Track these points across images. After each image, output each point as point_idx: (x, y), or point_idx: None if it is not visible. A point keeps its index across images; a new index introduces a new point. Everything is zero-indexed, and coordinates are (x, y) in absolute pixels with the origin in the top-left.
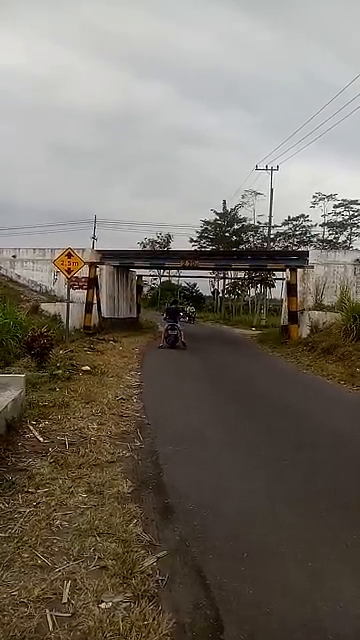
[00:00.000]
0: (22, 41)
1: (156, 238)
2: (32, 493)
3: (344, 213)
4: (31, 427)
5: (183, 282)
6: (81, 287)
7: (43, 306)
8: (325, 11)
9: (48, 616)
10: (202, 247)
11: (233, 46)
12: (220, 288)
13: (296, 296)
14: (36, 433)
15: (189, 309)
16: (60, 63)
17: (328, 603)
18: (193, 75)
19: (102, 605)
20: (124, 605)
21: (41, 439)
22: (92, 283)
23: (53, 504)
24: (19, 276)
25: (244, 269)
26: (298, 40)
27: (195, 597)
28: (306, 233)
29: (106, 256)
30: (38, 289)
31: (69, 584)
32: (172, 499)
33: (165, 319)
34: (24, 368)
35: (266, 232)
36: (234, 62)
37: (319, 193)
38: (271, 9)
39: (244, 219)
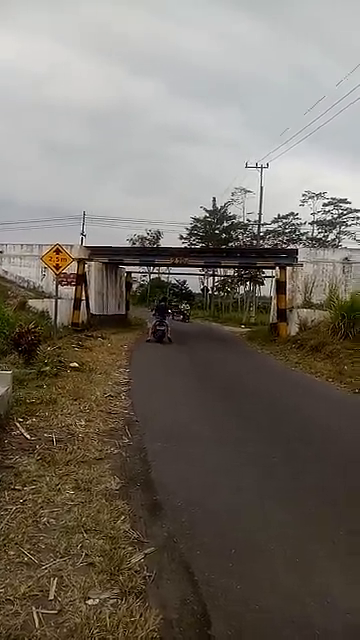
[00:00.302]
0: (15, 37)
1: (146, 235)
2: (19, 490)
3: (333, 211)
4: (18, 424)
5: (173, 279)
6: (69, 283)
7: (31, 302)
8: (317, 11)
9: (34, 613)
10: (192, 244)
11: (226, 45)
12: (210, 285)
13: (285, 294)
14: (23, 430)
15: (183, 307)
16: (53, 60)
17: (316, 599)
18: (186, 73)
19: (89, 602)
20: (111, 602)
21: (28, 436)
22: (81, 279)
23: (40, 501)
24: (6, 272)
25: (233, 267)
26: (290, 39)
27: (183, 593)
28: (295, 231)
29: (95, 252)
30: (26, 285)
31: (56, 581)
32: (160, 496)
33: (154, 315)
34: (11, 365)
35: (256, 230)
36: (226, 60)
37: (308, 191)
38: (265, 9)
39: (234, 217)
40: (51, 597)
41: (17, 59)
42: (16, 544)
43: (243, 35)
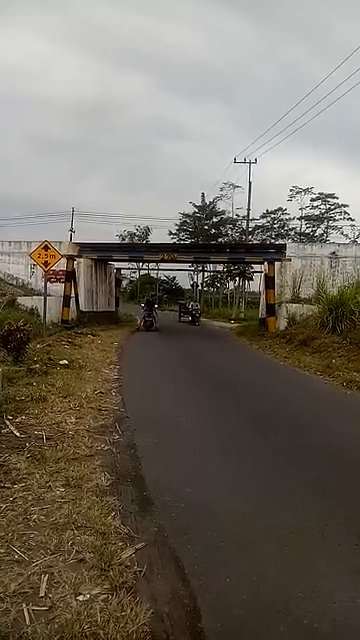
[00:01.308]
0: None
1: (135, 231)
2: (8, 488)
3: (321, 207)
4: (7, 422)
5: (162, 275)
6: (59, 280)
7: (20, 300)
8: (303, 6)
9: (25, 610)
10: (181, 240)
11: (212, 40)
12: (199, 281)
13: (274, 289)
14: (13, 428)
15: (192, 305)
16: (36, 52)
17: (304, 590)
18: (172, 68)
19: (80, 598)
20: (102, 597)
21: (18, 434)
22: (70, 276)
23: (30, 499)
24: None
25: (223, 262)
26: (277, 34)
27: (173, 587)
28: (284, 226)
29: (84, 249)
30: (14, 282)
31: (46, 578)
32: (150, 491)
33: (143, 309)
34: (0, 363)
35: (244, 225)
36: (213, 55)
37: (296, 187)
38: (251, 3)
39: (223, 212)
40: (42, 594)
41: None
42: (6, 542)
43: (229, 30)
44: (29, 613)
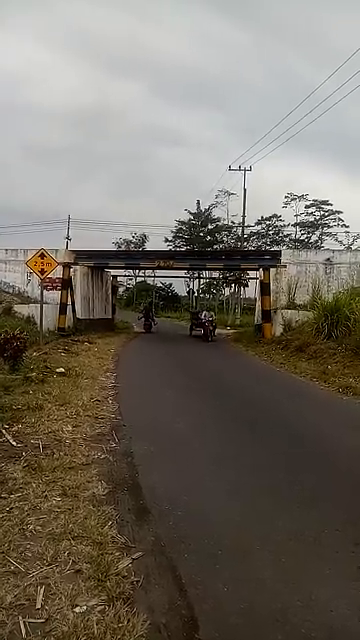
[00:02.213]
0: None
1: (131, 238)
2: (5, 498)
3: (315, 213)
4: (4, 431)
5: (159, 282)
6: (55, 288)
7: (16, 308)
8: (298, 12)
9: (21, 623)
10: (177, 247)
11: (207, 46)
12: (195, 288)
13: (269, 295)
14: (9, 437)
15: (205, 314)
16: (32, 60)
17: (301, 598)
18: (167, 75)
19: (76, 609)
20: (99, 608)
21: (14, 443)
22: (66, 284)
23: (26, 509)
24: None
25: (218, 269)
26: (270, 41)
27: (170, 597)
28: (279, 233)
29: (80, 256)
30: (11, 290)
31: (43, 589)
32: (147, 500)
33: (142, 314)
34: None
35: (240, 232)
36: (207, 62)
37: (291, 193)
38: (245, 10)
39: (218, 219)
40: (38, 606)
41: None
42: (2, 553)
43: (223, 37)
44: (25, 626)
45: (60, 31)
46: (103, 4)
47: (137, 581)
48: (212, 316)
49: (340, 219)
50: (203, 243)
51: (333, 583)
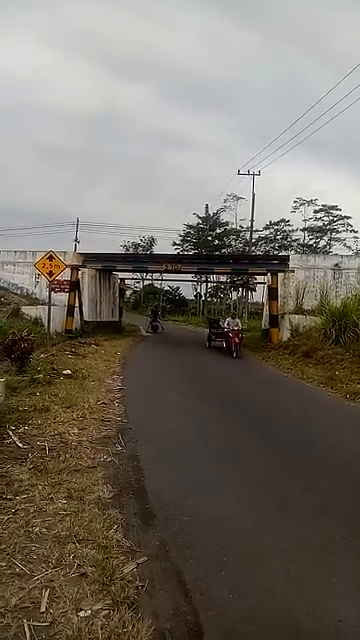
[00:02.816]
0: (4, 40)
1: (139, 241)
2: (10, 500)
3: (324, 218)
4: (10, 432)
5: (166, 285)
6: (63, 290)
7: (24, 309)
8: (308, 17)
9: (25, 626)
10: (185, 251)
11: (217, 50)
12: (203, 292)
13: (277, 300)
14: (15, 438)
15: (228, 322)
16: (42, 63)
17: (307, 607)
18: (177, 78)
19: (81, 613)
20: (103, 613)
21: (20, 445)
22: (74, 286)
23: (32, 511)
24: (0, 279)
25: (226, 273)
26: (281, 45)
27: (175, 603)
28: (287, 238)
29: (88, 259)
30: (19, 292)
31: (47, 592)
32: (153, 504)
33: (149, 316)
34: (4, 372)
35: (248, 236)
36: (218, 66)
37: (300, 198)
38: (255, 14)
39: (226, 223)
40: (43, 609)
41: (6, 62)
42: (7, 555)
43: (232, 41)
44: (30, 629)
45: (70, 34)
46: (114, 8)
47: (142, 586)
48: (238, 325)
49: (349, 224)
50: (211, 247)
51: (340, 592)
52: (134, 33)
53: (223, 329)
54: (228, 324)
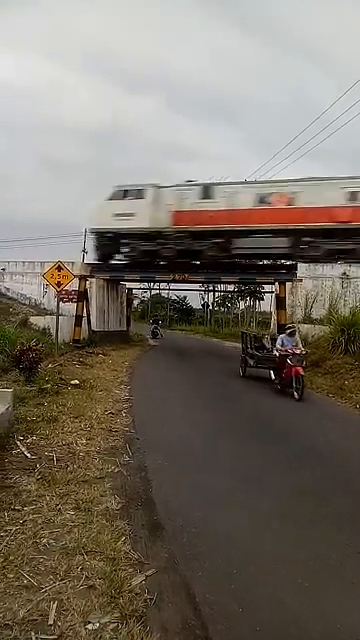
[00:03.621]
0: (13, 56)
1: None
2: (19, 511)
3: None
4: (18, 443)
5: (173, 295)
6: (71, 300)
7: (32, 319)
8: (313, 30)
9: (34, 639)
10: (191, 260)
11: (222, 63)
12: (210, 301)
13: (285, 309)
14: (23, 449)
15: (282, 340)
16: (50, 77)
17: (319, 621)
18: (182, 91)
19: (89, 626)
20: (112, 626)
21: (28, 455)
22: (82, 296)
23: (40, 522)
24: (8, 289)
25: (233, 282)
26: (286, 57)
27: (184, 616)
28: None
29: (96, 269)
30: (27, 302)
31: (55, 605)
32: (161, 515)
33: (151, 324)
34: (12, 382)
35: None
36: (223, 78)
37: None
38: (260, 27)
39: None
40: (50, 621)
41: (16, 78)
42: (16, 566)
43: (237, 53)
44: None
45: (78, 49)
46: (121, 23)
47: (150, 599)
48: (298, 344)
49: None
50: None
51: (356, 609)
52: (142, 48)
53: (270, 350)
54: (283, 344)
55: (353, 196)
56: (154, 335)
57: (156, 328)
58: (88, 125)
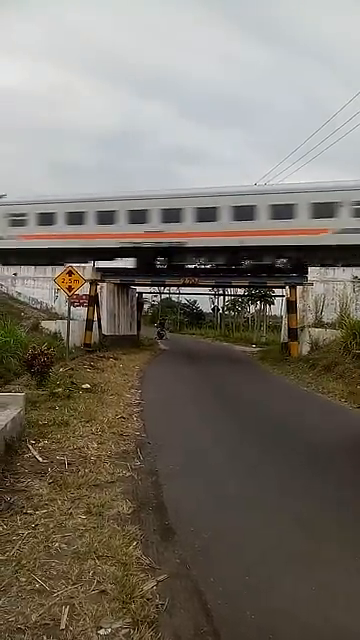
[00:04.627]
0: (23, 62)
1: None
2: (31, 514)
3: None
4: (30, 447)
5: (183, 299)
6: (82, 304)
7: (44, 324)
8: (324, 34)
9: None
10: (202, 264)
11: (233, 67)
12: (220, 305)
13: (296, 313)
14: (35, 453)
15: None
16: (61, 83)
17: (334, 632)
18: (192, 95)
19: (101, 631)
20: (123, 631)
21: (40, 459)
22: (93, 301)
23: (52, 526)
24: (20, 294)
25: (244, 286)
26: (297, 62)
27: (196, 622)
28: None
29: (107, 274)
30: (39, 307)
31: (67, 609)
32: (172, 520)
33: (157, 327)
34: (24, 386)
35: None
36: (233, 83)
37: None
38: (271, 32)
39: None
40: (62, 626)
41: (29, 83)
42: (28, 570)
43: (247, 58)
44: None
45: (89, 54)
46: (133, 31)
47: (162, 604)
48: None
49: None
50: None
51: None
52: (153, 53)
53: (164, 325)
54: None
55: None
56: (160, 336)
57: (162, 330)
58: (100, 130)
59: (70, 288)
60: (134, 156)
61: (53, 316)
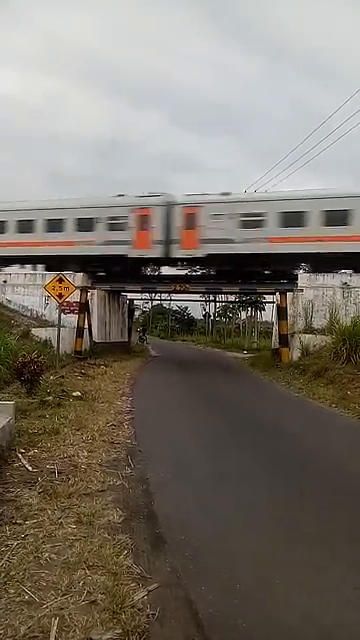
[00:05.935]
0: (19, 72)
1: None
2: (20, 525)
3: None
4: (20, 456)
5: (174, 305)
6: (72, 312)
7: (34, 331)
8: (312, 43)
9: None
10: (193, 271)
11: (223, 76)
12: (211, 311)
13: (286, 319)
14: (25, 462)
15: None
16: (55, 93)
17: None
18: (184, 104)
19: None
20: None
21: (30, 468)
22: (83, 308)
23: (41, 536)
24: (10, 301)
25: (235, 293)
26: (285, 69)
27: (187, 632)
28: None
29: (97, 280)
30: (29, 314)
31: (57, 621)
32: (163, 529)
33: (139, 332)
34: (14, 395)
35: None
36: (224, 91)
37: None
38: (261, 41)
39: None
40: (52, 639)
41: (23, 93)
42: (17, 582)
43: (238, 67)
44: None
45: (82, 64)
46: (123, 40)
47: (153, 614)
48: None
49: None
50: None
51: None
52: (145, 63)
53: (145, 331)
54: None
55: None
56: (141, 340)
57: (143, 335)
58: (93, 139)
59: (60, 295)
60: (127, 163)
61: (44, 323)
